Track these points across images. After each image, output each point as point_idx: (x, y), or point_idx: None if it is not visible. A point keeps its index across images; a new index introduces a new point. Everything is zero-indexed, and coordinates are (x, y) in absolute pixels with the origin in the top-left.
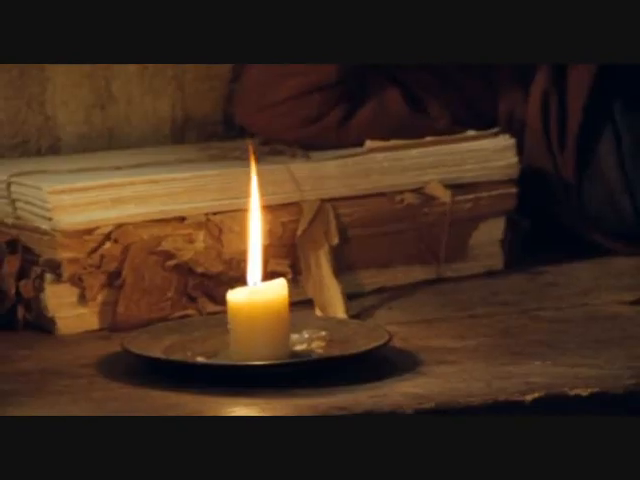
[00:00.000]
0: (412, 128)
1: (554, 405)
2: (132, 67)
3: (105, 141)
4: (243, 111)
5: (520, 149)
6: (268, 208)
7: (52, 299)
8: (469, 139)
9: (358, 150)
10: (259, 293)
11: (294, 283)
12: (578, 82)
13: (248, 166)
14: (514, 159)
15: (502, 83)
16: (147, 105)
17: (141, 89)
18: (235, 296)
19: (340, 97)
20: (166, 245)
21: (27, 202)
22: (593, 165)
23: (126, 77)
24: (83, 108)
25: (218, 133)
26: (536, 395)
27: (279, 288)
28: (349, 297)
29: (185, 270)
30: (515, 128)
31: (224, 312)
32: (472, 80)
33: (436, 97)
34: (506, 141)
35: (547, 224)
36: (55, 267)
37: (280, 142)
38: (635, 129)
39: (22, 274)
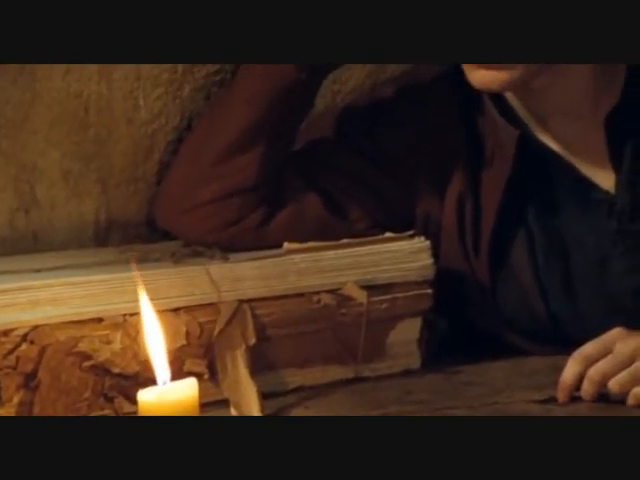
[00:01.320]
0: (330, 231)
1: None
2: (56, 171)
3: (29, 244)
4: (165, 214)
5: (436, 251)
6: (186, 309)
7: None
8: (385, 241)
9: (276, 252)
10: (169, 393)
11: (211, 383)
12: (492, 186)
13: (167, 267)
14: (429, 260)
15: (419, 187)
16: (71, 209)
17: (65, 193)
18: (145, 396)
19: (260, 200)
20: (83, 346)
21: None
22: (507, 267)
23: (50, 181)
24: (7, 212)
25: (141, 236)
26: None
27: (189, 388)
28: (268, 396)
29: (102, 370)
30: (432, 231)
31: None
32: (390, 184)
33: (355, 201)
34: (421, 243)
35: (463, 324)
36: None
37: (200, 244)
38: (548, 233)
39: None
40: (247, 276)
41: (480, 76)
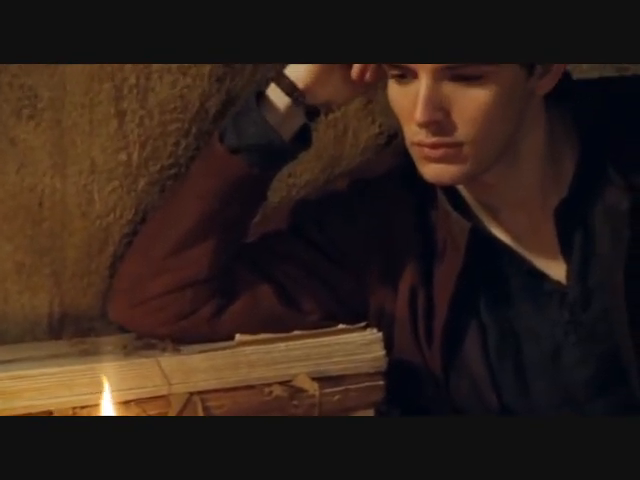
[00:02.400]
0: (283, 322)
1: None
2: (10, 264)
3: None
4: (117, 307)
5: (390, 342)
6: (137, 401)
7: None
8: (337, 332)
9: (228, 344)
10: None
11: None
12: (444, 278)
13: (119, 360)
14: (381, 352)
15: (372, 279)
16: (25, 302)
17: (19, 286)
18: None
19: (212, 293)
20: None
21: None
22: (460, 358)
23: (3, 274)
24: None
25: (95, 328)
26: None
27: None
28: None
29: None
30: (385, 322)
31: None
32: (343, 276)
33: (308, 293)
34: (373, 335)
35: (417, 414)
36: None
37: (152, 336)
38: (500, 324)
39: None
40: (198, 368)
41: (432, 169)
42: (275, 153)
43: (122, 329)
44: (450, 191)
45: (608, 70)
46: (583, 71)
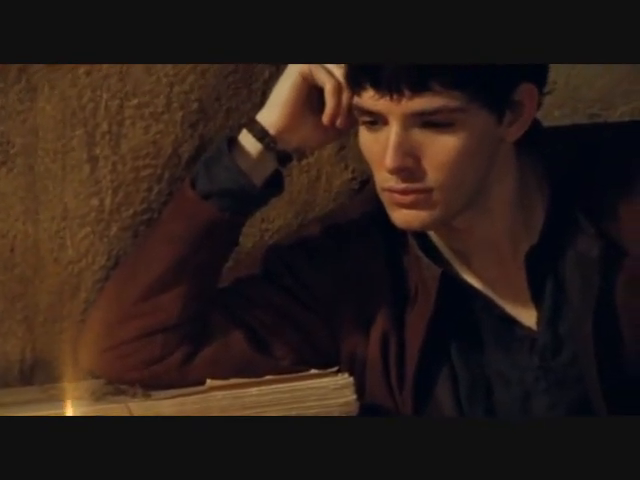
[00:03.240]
0: (255, 367)
1: None
2: None
3: None
4: (87, 352)
5: (362, 387)
6: None
7: None
8: (309, 377)
9: (199, 389)
10: None
11: None
12: (415, 323)
13: (88, 406)
14: (352, 397)
15: (343, 323)
16: None
17: None
18: None
19: (183, 338)
20: None
21: None
22: (431, 403)
23: None
24: None
25: (67, 374)
26: None
27: None
28: None
29: None
30: (357, 367)
31: None
32: (315, 321)
33: (280, 337)
34: (345, 379)
35: None
36: None
37: (123, 382)
38: (471, 369)
39: None
40: (167, 414)
41: (402, 215)
42: (246, 198)
43: (93, 375)
44: (421, 236)
45: (580, 117)
46: (555, 118)
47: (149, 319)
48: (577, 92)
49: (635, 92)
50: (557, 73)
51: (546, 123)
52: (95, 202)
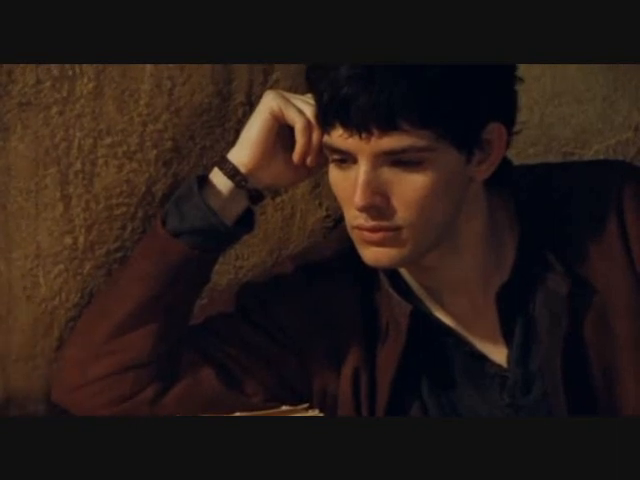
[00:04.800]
0: (226, 404)
1: None
2: None
3: None
4: (59, 389)
5: None
6: None
7: None
8: (280, 414)
9: None
10: None
11: None
12: (386, 359)
13: None
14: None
15: (315, 360)
16: None
17: None
18: None
19: (154, 375)
20: None
21: None
22: None
23: None
24: None
25: (39, 412)
26: None
27: None
28: None
29: None
30: (329, 403)
31: None
32: (287, 358)
33: (251, 374)
34: (316, 416)
35: None
36: None
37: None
38: (442, 406)
39: None
40: None
41: (371, 253)
42: (217, 236)
43: (66, 412)
44: (392, 273)
45: (555, 155)
46: (529, 156)
47: (120, 357)
48: (551, 130)
49: (609, 130)
50: (531, 111)
51: (520, 161)
52: (68, 240)
